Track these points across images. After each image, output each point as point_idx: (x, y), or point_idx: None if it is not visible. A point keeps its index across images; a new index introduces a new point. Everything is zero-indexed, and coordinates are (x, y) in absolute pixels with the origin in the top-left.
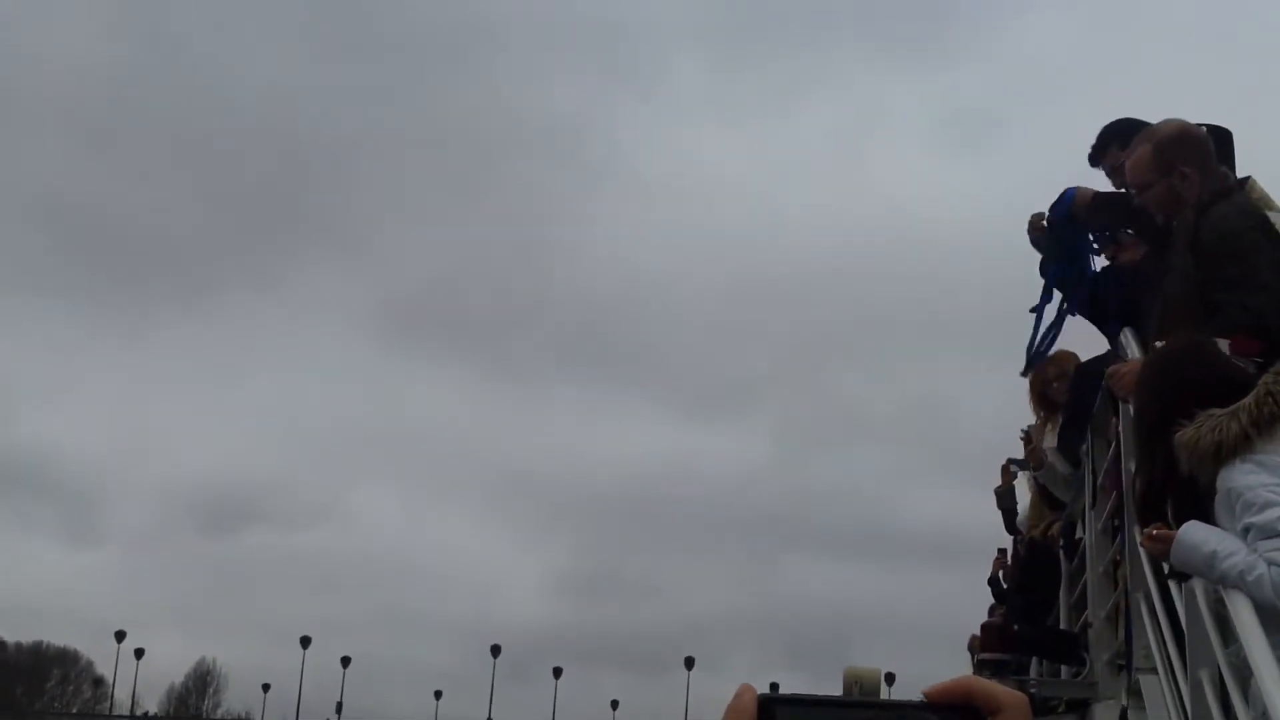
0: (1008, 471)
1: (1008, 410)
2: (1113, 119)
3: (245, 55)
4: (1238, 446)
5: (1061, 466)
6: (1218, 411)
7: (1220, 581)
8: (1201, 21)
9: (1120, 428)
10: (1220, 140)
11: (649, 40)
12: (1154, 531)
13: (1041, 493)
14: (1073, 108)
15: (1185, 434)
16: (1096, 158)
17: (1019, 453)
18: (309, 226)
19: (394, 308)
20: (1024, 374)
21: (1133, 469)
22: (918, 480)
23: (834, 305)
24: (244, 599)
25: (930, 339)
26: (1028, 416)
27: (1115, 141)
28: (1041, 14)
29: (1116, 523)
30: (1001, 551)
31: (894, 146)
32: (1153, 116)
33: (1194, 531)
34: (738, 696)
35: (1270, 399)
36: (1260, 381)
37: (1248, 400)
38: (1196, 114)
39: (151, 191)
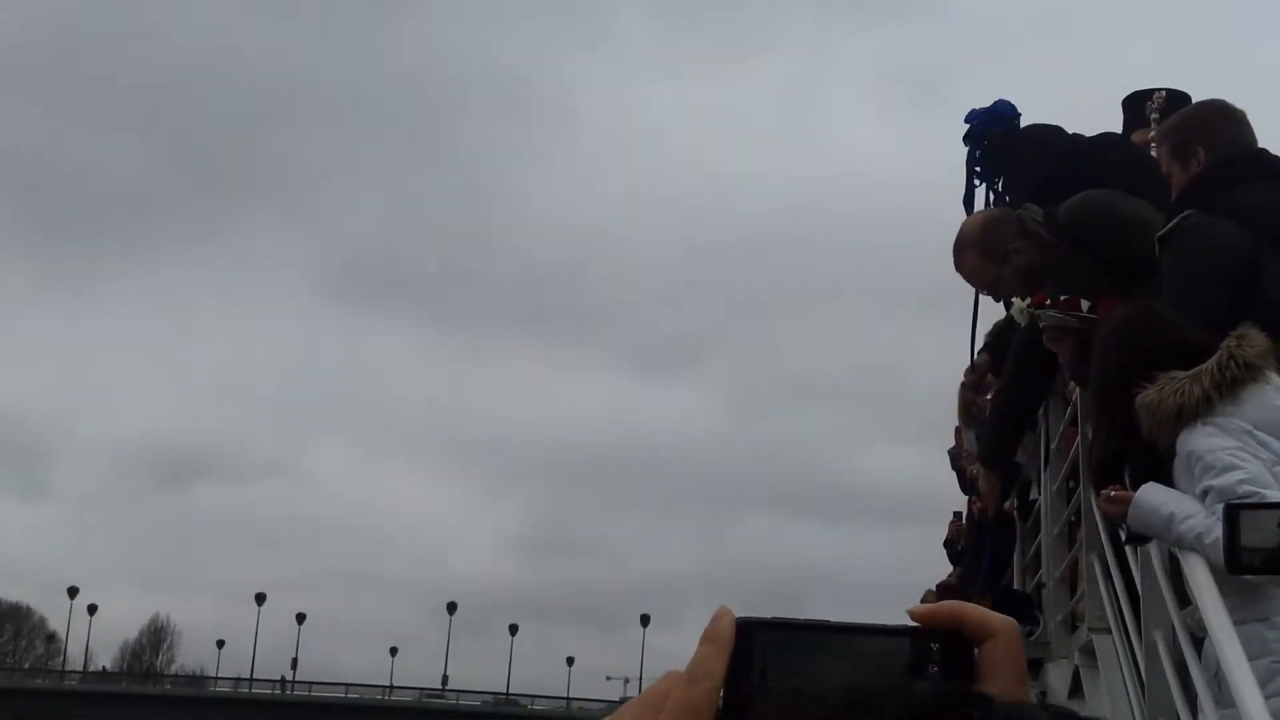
0: (960, 433)
1: (958, 369)
2: (1130, 92)
3: (190, 4)
4: (1199, 409)
5: None
6: (1180, 374)
7: (1177, 544)
8: None
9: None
10: (1179, 103)
11: None
12: (1111, 493)
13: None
14: (1022, 64)
15: (1147, 396)
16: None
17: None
18: (254, 180)
19: (341, 263)
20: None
21: (1089, 431)
22: (872, 439)
23: (784, 263)
24: (198, 555)
25: (881, 297)
26: None
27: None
28: None
29: (1072, 484)
30: (957, 515)
31: (841, 104)
32: (1102, 73)
33: (1152, 493)
34: (714, 621)
35: (1233, 362)
36: (1223, 345)
37: (1210, 363)
38: (1142, 71)
39: (94, 143)
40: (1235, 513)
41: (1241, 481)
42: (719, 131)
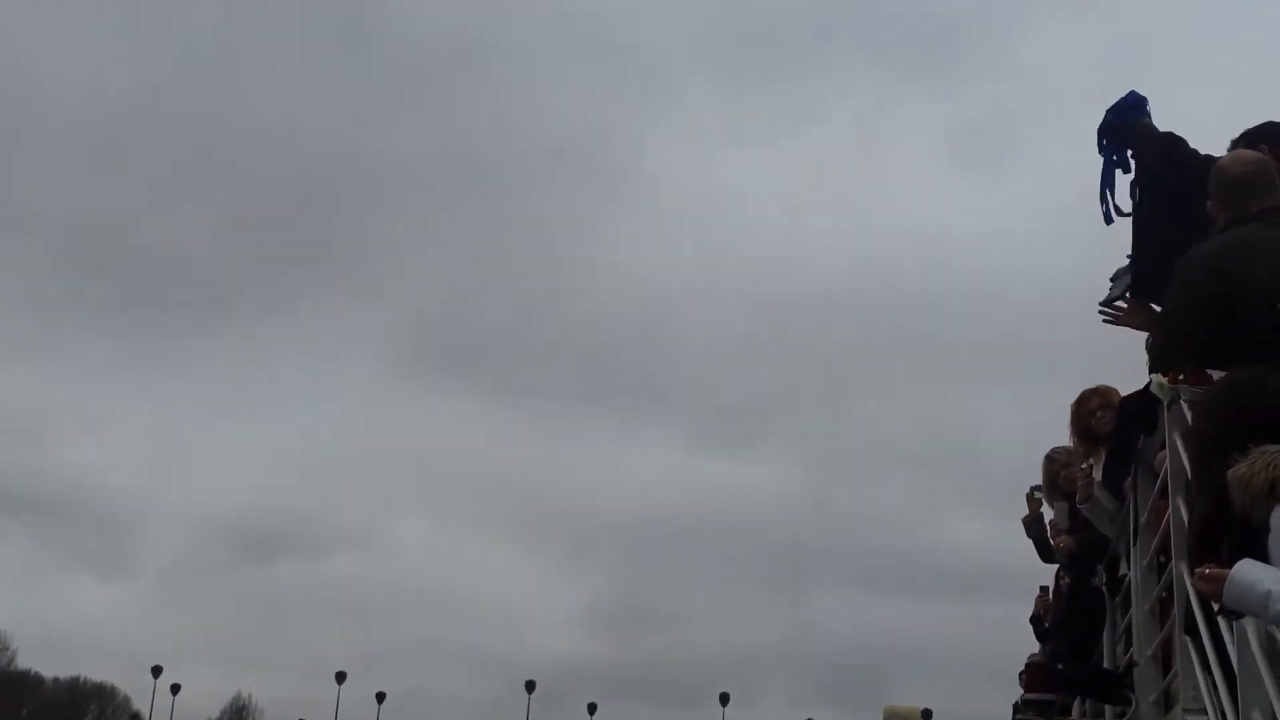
0: (1032, 499)
1: (1033, 433)
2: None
3: (262, 83)
4: None
5: (1106, 501)
6: (1272, 447)
7: (1275, 622)
8: (1218, 33)
9: (1167, 462)
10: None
11: (662, 61)
12: (1206, 571)
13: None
14: (1087, 123)
15: (1239, 470)
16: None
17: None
18: (327, 253)
19: (415, 334)
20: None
21: (1181, 504)
22: (949, 508)
23: (854, 326)
24: (279, 633)
25: (949, 359)
26: (1051, 439)
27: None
28: (1053, 28)
29: (1162, 559)
30: (1043, 589)
31: (909, 165)
32: (1170, 126)
33: (1248, 570)
34: None
35: None
36: None
37: None
38: (1213, 126)
39: (172, 219)
40: None
41: None
42: (786, 193)
